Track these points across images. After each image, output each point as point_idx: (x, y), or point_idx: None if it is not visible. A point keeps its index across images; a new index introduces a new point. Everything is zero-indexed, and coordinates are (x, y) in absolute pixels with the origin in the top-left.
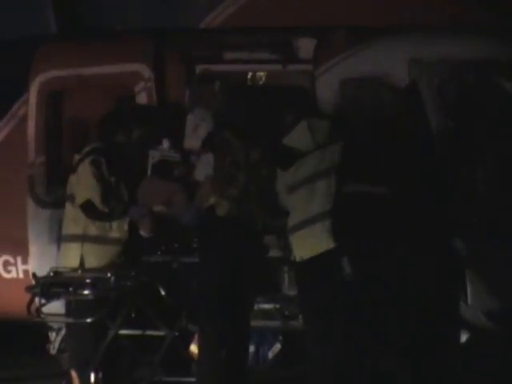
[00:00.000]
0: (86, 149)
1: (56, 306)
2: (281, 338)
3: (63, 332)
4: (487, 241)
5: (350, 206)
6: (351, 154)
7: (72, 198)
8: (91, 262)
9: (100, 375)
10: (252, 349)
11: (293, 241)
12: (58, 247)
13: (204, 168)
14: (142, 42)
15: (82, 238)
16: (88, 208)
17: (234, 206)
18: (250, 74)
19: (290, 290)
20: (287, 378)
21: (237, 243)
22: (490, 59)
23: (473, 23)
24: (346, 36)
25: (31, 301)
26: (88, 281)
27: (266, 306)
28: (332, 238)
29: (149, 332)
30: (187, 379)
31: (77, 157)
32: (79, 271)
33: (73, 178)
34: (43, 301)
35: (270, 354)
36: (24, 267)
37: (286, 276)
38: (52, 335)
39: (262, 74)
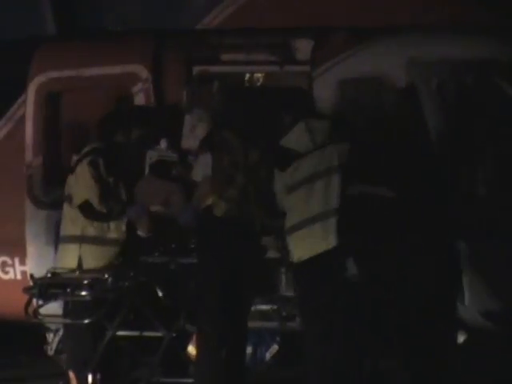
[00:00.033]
0: (85, 149)
1: (54, 307)
2: (278, 338)
3: (61, 333)
4: (485, 241)
5: (355, 206)
6: (353, 154)
7: (70, 199)
8: (89, 263)
9: (98, 376)
10: (249, 350)
11: (291, 241)
12: (56, 248)
13: (202, 168)
14: (140, 42)
15: (80, 239)
16: (86, 208)
17: (233, 207)
18: (247, 75)
19: (287, 291)
20: (285, 379)
21: (235, 243)
22: (490, 59)
23: (473, 23)
24: (344, 37)
25: (29, 302)
26: (86, 282)
27: (264, 307)
28: (330, 239)
29: (147, 333)
30: (185, 380)
31: (75, 157)
32: (77, 272)
33: (71, 179)
34: (41, 302)
35: (268, 355)
36: (22, 268)
37: (283, 277)
38: (49, 336)
39: (259, 75)
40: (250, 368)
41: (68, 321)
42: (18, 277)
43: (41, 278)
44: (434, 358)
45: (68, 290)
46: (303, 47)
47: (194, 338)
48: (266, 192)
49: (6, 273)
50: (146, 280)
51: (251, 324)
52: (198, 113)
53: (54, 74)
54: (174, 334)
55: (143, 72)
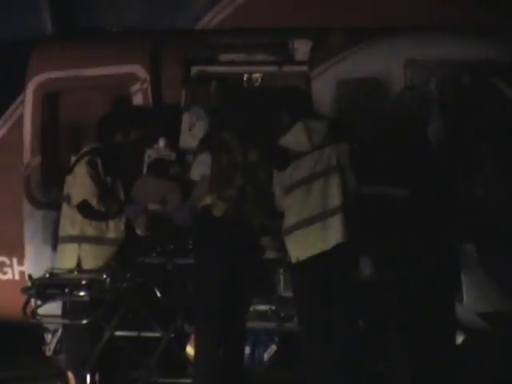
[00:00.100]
0: (84, 149)
1: (52, 308)
2: (276, 339)
3: (59, 333)
4: (484, 241)
5: (370, 206)
6: (360, 154)
7: (69, 199)
8: (89, 263)
9: (96, 376)
10: (247, 350)
11: (288, 242)
12: (54, 248)
13: (200, 167)
14: (138, 43)
15: (80, 239)
16: (84, 208)
17: (231, 207)
18: (246, 76)
19: (285, 291)
20: (283, 380)
21: (233, 244)
22: (489, 60)
23: (473, 23)
24: (343, 37)
25: (27, 302)
26: (84, 282)
27: (262, 308)
28: (330, 239)
29: (145, 333)
30: (183, 380)
31: (73, 157)
32: (75, 272)
33: (69, 179)
34: (39, 302)
35: (266, 356)
36: (20, 268)
37: (281, 277)
38: (48, 337)
39: (258, 75)
40: (248, 368)
41: (66, 321)
42: (16, 277)
43: (39, 279)
44: (434, 358)
45: (66, 290)
46: (302, 47)
47: (193, 338)
48: (264, 192)
49: (4, 273)
50: (143, 280)
51: (249, 324)
52: (196, 111)
53: (53, 75)
54: (172, 335)
55: (141, 72)
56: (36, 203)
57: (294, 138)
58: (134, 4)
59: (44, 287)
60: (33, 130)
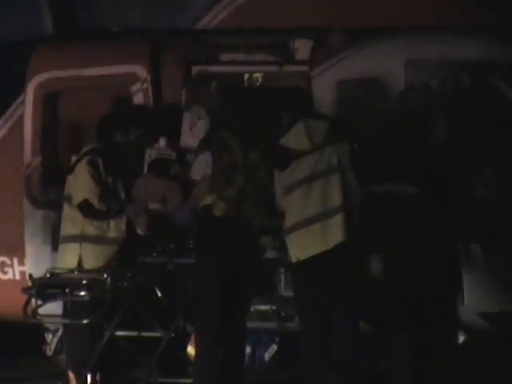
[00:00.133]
0: (84, 149)
1: (52, 307)
2: (277, 339)
3: (59, 333)
4: (484, 241)
5: (380, 204)
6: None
7: (69, 199)
8: (90, 263)
9: (97, 376)
10: (248, 350)
11: (289, 242)
12: (55, 248)
13: (200, 167)
14: (138, 42)
15: (81, 239)
16: (85, 208)
17: (232, 207)
18: (246, 75)
19: (286, 291)
20: (283, 380)
21: (234, 243)
22: (489, 60)
23: (473, 23)
24: (343, 37)
25: (27, 302)
26: (84, 282)
27: (263, 308)
28: (331, 239)
29: (145, 333)
30: (183, 380)
31: (74, 157)
32: (76, 272)
33: (70, 179)
34: (39, 302)
35: (267, 356)
36: (20, 268)
37: (282, 277)
38: (48, 336)
39: (258, 75)
40: (249, 368)
41: (67, 321)
42: (17, 277)
43: (39, 278)
44: (434, 357)
45: (67, 290)
46: (302, 47)
47: (193, 337)
48: (265, 192)
49: (5, 273)
50: (144, 280)
51: (250, 324)
52: (197, 110)
53: (53, 74)
54: (173, 334)
55: (142, 72)
56: (36, 203)
57: (295, 137)
58: (134, 4)
59: (44, 287)
60: (33, 130)
